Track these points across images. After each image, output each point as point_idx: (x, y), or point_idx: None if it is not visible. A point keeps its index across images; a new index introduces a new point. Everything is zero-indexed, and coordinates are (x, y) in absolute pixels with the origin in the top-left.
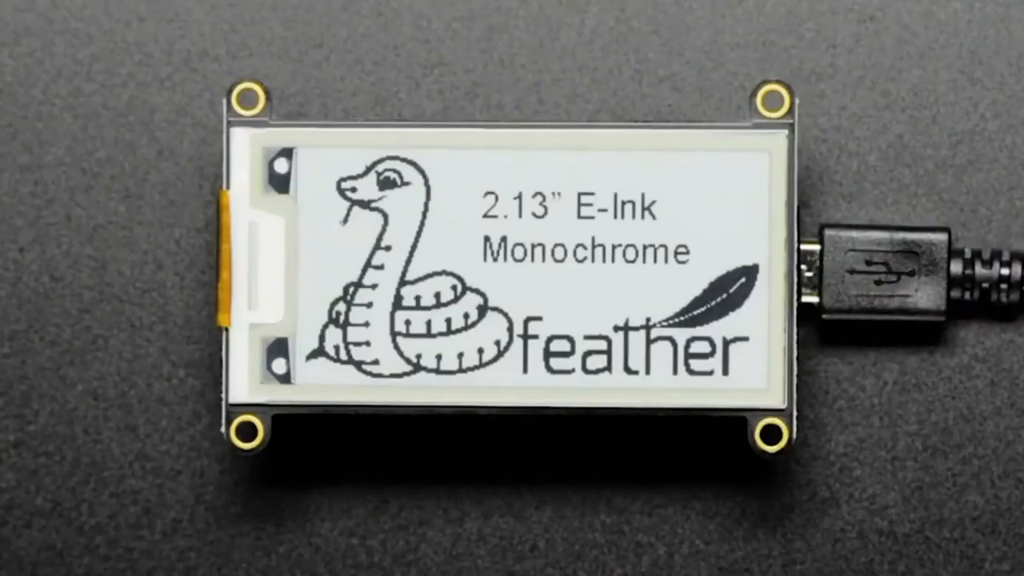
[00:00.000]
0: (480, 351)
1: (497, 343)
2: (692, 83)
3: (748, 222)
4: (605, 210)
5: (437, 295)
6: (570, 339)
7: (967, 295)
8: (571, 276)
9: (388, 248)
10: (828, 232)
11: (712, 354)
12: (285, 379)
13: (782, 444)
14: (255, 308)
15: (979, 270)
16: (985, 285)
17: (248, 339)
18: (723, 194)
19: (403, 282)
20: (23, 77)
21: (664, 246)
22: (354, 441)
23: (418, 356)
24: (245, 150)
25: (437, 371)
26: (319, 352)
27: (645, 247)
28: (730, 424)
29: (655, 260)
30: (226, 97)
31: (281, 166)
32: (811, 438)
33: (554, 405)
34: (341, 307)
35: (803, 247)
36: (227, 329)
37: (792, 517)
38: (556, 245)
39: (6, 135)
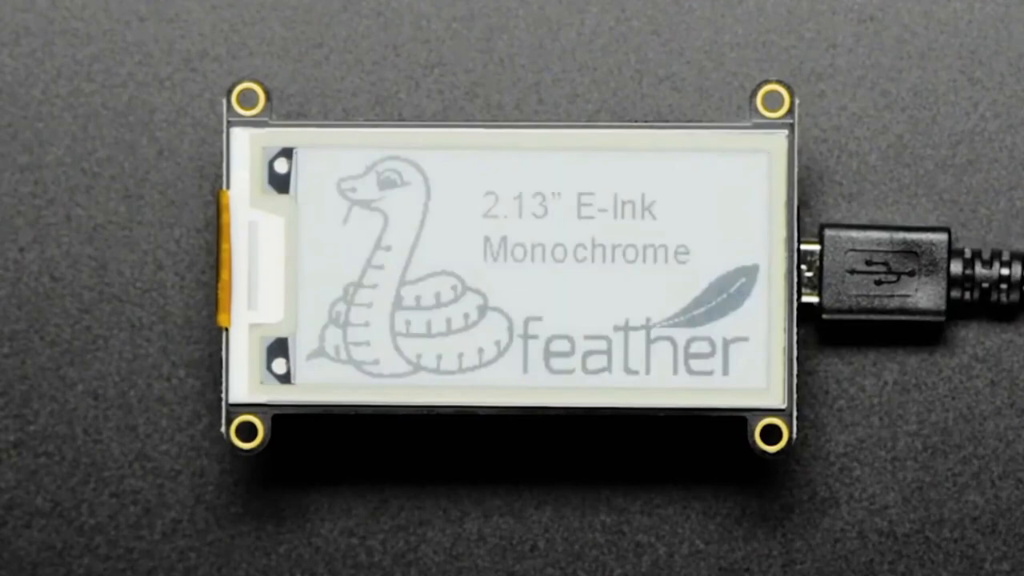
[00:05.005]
0: (480, 351)
1: (497, 343)
2: (692, 83)
3: (748, 222)
4: (605, 210)
5: (437, 295)
6: (570, 339)
7: (967, 295)
8: (571, 276)
9: (388, 248)
10: (828, 232)
11: (712, 354)
12: (285, 379)
13: (782, 444)
14: (255, 308)
15: (979, 270)
16: (985, 285)
17: (248, 339)
18: (723, 194)
19: (403, 282)
20: (23, 77)
21: (664, 246)
22: (354, 441)
23: (418, 356)
24: (245, 150)
25: (437, 371)
26: (319, 352)
27: (645, 247)
28: (730, 424)
29: (655, 260)
30: (226, 97)
31: (281, 166)
32: (811, 438)
33: (554, 405)
34: (341, 307)
35: (803, 247)
36: (227, 329)
37: (792, 517)
38: (556, 245)
39: (6, 135)
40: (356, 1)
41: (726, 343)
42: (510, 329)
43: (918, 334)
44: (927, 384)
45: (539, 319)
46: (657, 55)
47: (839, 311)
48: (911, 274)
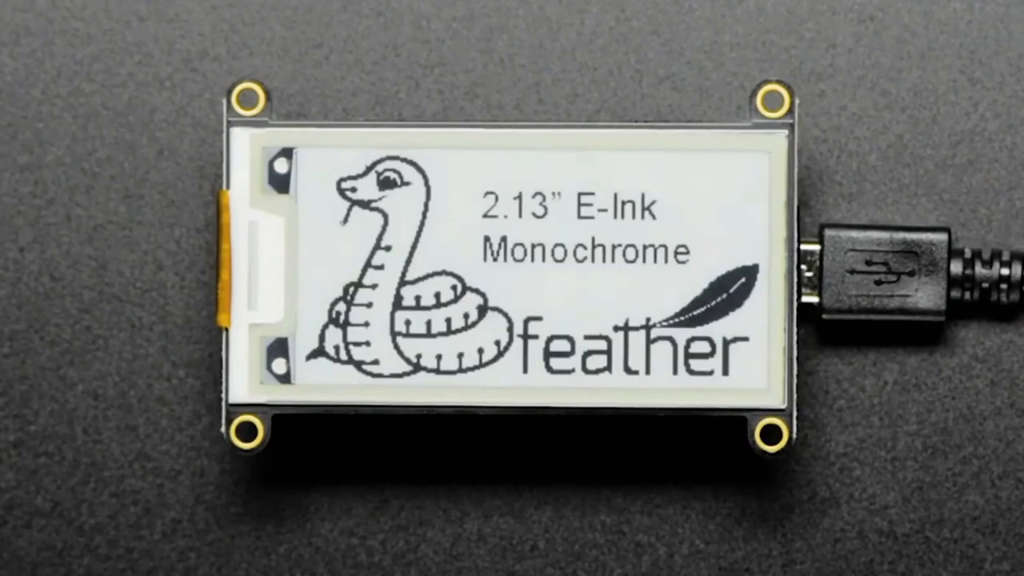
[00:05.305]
0: (480, 351)
1: (497, 343)
2: (692, 83)
3: (748, 222)
4: (605, 210)
5: (437, 295)
6: (570, 339)
7: (967, 295)
8: (571, 276)
9: (388, 248)
10: (828, 232)
11: (712, 354)
12: (285, 379)
13: (782, 444)
14: (255, 308)
15: (979, 270)
16: (985, 285)
17: (248, 339)
18: (723, 194)
19: (403, 282)
20: (23, 77)
21: (664, 246)
22: (354, 441)
23: (418, 356)
24: (245, 150)
25: (437, 371)
26: (319, 352)
27: (645, 247)
28: (730, 424)
29: (655, 260)
30: (226, 97)
31: (281, 166)
32: (811, 438)
33: (554, 405)
34: (341, 307)
35: (803, 247)
36: (227, 329)
37: (792, 517)
38: (556, 245)
39: (6, 135)
40: (356, 1)
41: (726, 343)
42: (510, 329)
43: (918, 334)
44: (927, 384)
45: (539, 319)
46: (657, 55)
47: (839, 311)
48: (911, 274)
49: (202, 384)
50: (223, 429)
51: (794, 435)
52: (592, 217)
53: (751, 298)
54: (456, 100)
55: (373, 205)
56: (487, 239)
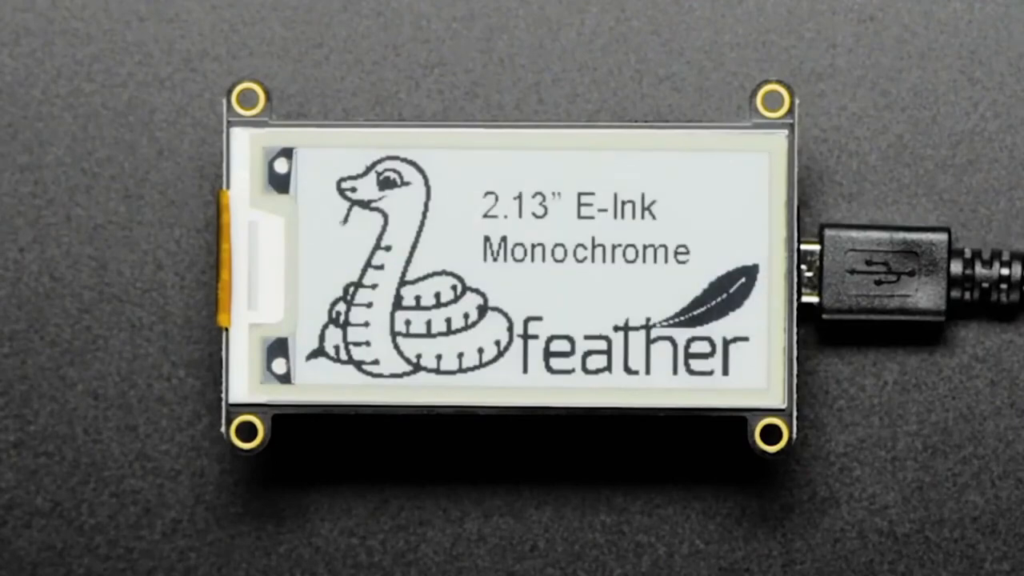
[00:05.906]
0: (480, 351)
1: (497, 343)
2: (692, 83)
3: (748, 222)
4: (605, 210)
5: (437, 295)
6: (570, 339)
7: (967, 295)
8: (571, 276)
9: (388, 248)
10: (828, 232)
11: (712, 354)
12: (285, 379)
13: (782, 444)
14: (255, 308)
15: (979, 270)
16: (985, 285)
17: (248, 339)
18: (723, 194)
19: (403, 282)
20: (23, 77)
21: (664, 246)
22: (354, 441)
23: (418, 356)
24: (245, 150)
25: (437, 371)
26: (319, 352)
27: (645, 247)
28: (730, 424)
29: (655, 260)
30: (226, 97)
31: (281, 166)
32: (811, 438)
33: (554, 405)
34: (341, 307)
35: (803, 247)
36: (227, 329)
37: (792, 517)
38: (556, 245)
39: (6, 135)
40: (356, 1)
41: (726, 343)
42: (510, 329)
43: (918, 334)
44: (927, 384)
45: (539, 319)
46: (657, 55)
47: (839, 311)
48: (911, 274)
49: (202, 384)
50: (223, 429)
51: (794, 435)
52: (592, 217)
53: (751, 298)
54: (456, 100)
55: (373, 205)
56: (487, 239)
